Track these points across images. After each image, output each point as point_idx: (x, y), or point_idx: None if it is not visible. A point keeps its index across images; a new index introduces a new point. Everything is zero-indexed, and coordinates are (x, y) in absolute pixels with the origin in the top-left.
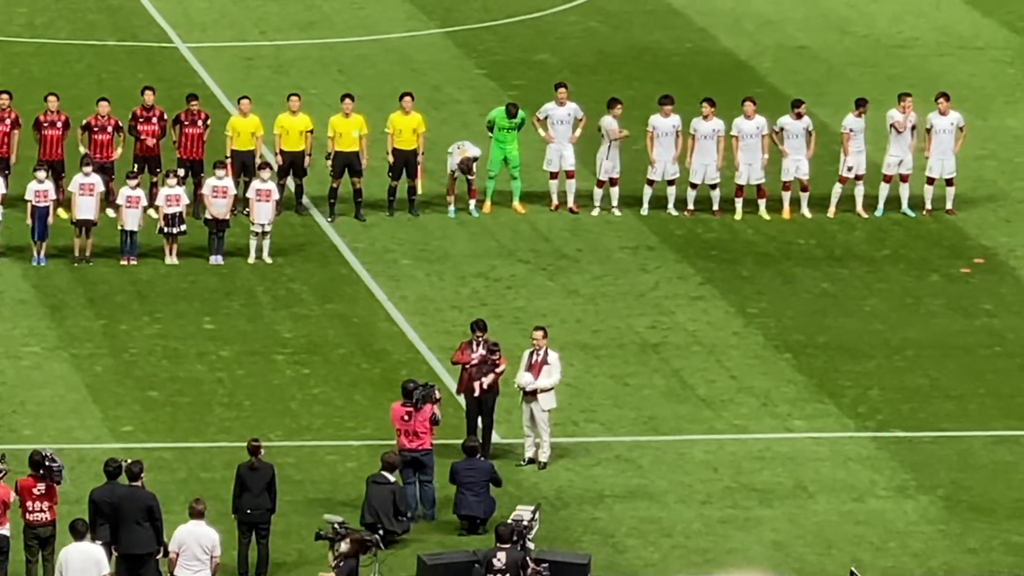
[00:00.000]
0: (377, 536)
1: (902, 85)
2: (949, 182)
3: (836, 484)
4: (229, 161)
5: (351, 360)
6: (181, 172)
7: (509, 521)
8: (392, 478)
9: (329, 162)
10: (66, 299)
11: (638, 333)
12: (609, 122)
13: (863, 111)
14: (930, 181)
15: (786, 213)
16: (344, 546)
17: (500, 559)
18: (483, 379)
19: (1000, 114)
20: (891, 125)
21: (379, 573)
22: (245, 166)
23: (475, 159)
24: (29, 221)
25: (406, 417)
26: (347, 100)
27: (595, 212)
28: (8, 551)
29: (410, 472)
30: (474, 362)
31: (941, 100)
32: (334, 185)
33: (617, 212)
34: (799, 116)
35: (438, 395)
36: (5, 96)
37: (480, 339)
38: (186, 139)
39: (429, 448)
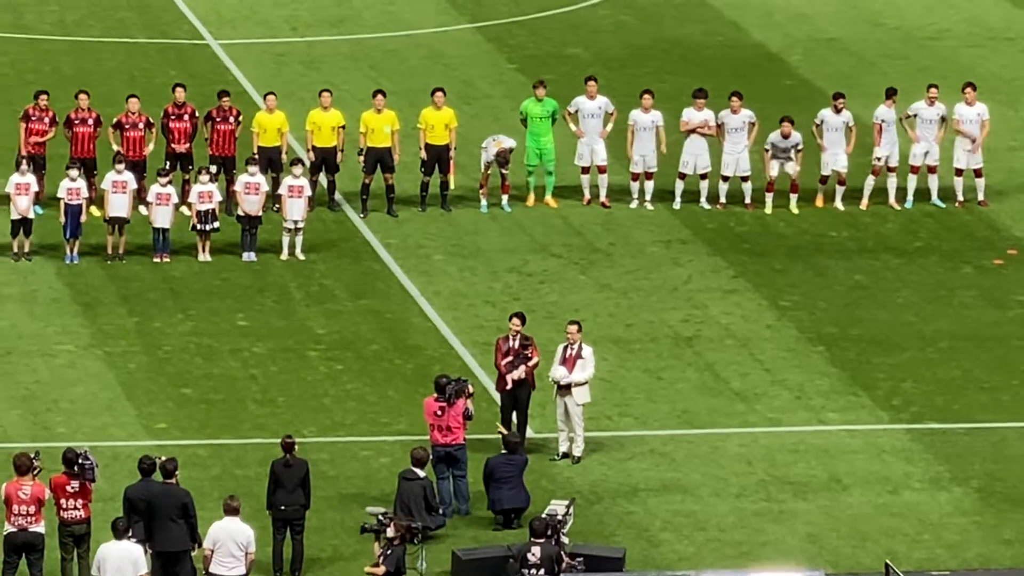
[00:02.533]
0: (420, 524)
1: (933, 77)
2: (978, 173)
3: (870, 476)
4: (256, 157)
5: (384, 356)
6: (213, 169)
7: (543, 516)
8: (422, 473)
9: (361, 158)
10: (99, 297)
11: (671, 327)
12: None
13: (894, 101)
14: (958, 172)
15: (819, 201)
16: (391, 531)
17: (535, 554)
18: (514, 372)
19: None
20: (913, 116)
21: (425, 561)
22: (272, 162)
23: (511, 150)
24: (62, 219)
25: (439, 412)
26: (379, 96)
27: (633, 204)
28: (43, 549)
29: (444, 467)
30: (508, 359)
31: (968, 90)
32: (366, 181)
33: (650, 206)
34: (839, 110)
35: (471, 390)
36: (44, 97)
37: (516, 332)
38: (218, 136)
39: (463, 443)
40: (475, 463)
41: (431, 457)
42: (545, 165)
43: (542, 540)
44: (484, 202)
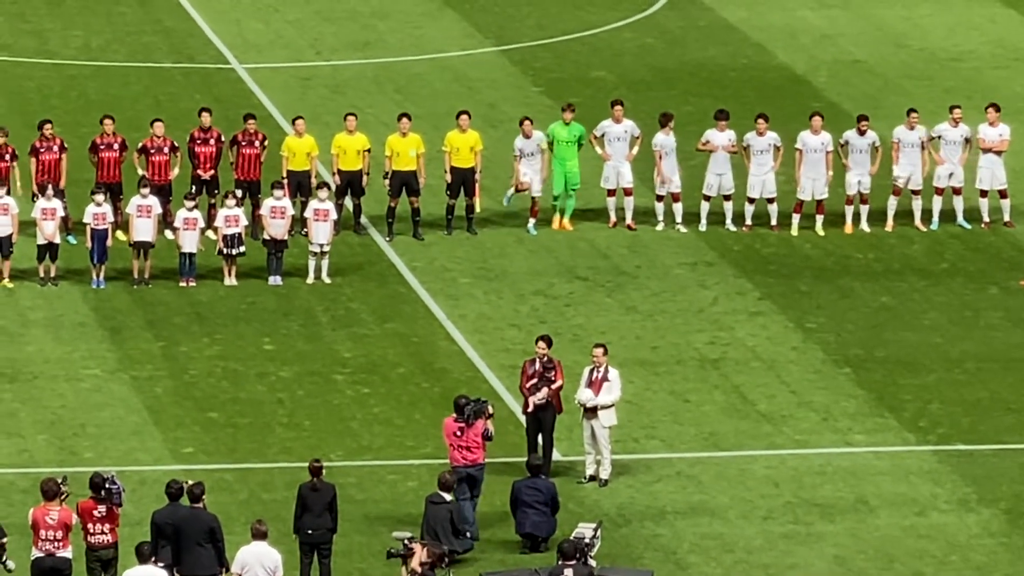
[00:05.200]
0: (446, 548)
1: (958, 98)
2: (1003, 194)
3: (897, 498)
4: (285, 181)
5: (411, 379)
6: (239, 193)
7: (572, 538)
8: (449, 497)
9: (387, 181)
10: (125, 321)
11: (697, 349)
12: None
13: (913, 122)
14: (983, 194)
15: (848, 228)
16: (424, 555)
17: None
18: (537, 395)
19: None
20: (937, 137)
21: None
22: (301, 186)
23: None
24: (88, 244)
25: (458, 433)
26: (404, 119)
27: (659, 227)
28: (71, 574)
29: (464, 488)
30: (532, 381)
31: (991, 110)
32: (392, 204)
33: (683, 228)
34: (863, 132)
35: (491, 410)
36: (49, 126)
37: (543, 354)
38: (243, 160)
39: (482, 464)
40: (502, 486)
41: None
42: (568, 189)
43: (573, 563)
44: (510, 192)
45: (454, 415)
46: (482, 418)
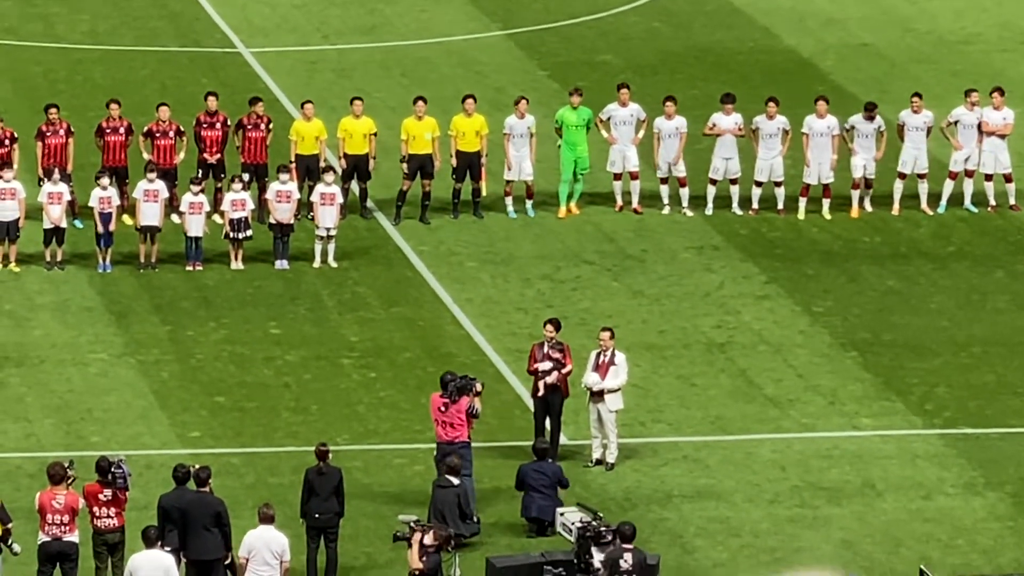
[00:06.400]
0: (452, 531)
1: (965, 81)
2: (1007, 178)
3: (904, 482)
4: (293, 165)
5: (417, 363)
6: (246, 177)
7: (577, 524)
8: (456, 481)
9: (404, 165)
10: (132, 305)
11: (704, 333)
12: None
13: (917, 106)
14: (988, 178)
15: (854, 212)
16: (429, 539)
17: (627, 560)
18: (546, 378)
19: None
20: (954, 122)
21: (459, 567)
22: (309, 170)
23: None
24: (100, 228)
25: (443, 408)
26: (420, 103)
27: (665, 211)
28: (77, 558)
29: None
30: (544, 368)
31: (995, 95)
32: (404, 188)
33: (689, 212)
34: (871, 118)
35: (478, 388)
36: (54, 110)
37: (551, 338)
38: (249, 143)
39: (467, 440)
40: (509, 469)
41: (435, 455)
42: (577, 173)
43: (631, 547)
44: (510, 207)
45: (441, 391)
46: (468, 395)
